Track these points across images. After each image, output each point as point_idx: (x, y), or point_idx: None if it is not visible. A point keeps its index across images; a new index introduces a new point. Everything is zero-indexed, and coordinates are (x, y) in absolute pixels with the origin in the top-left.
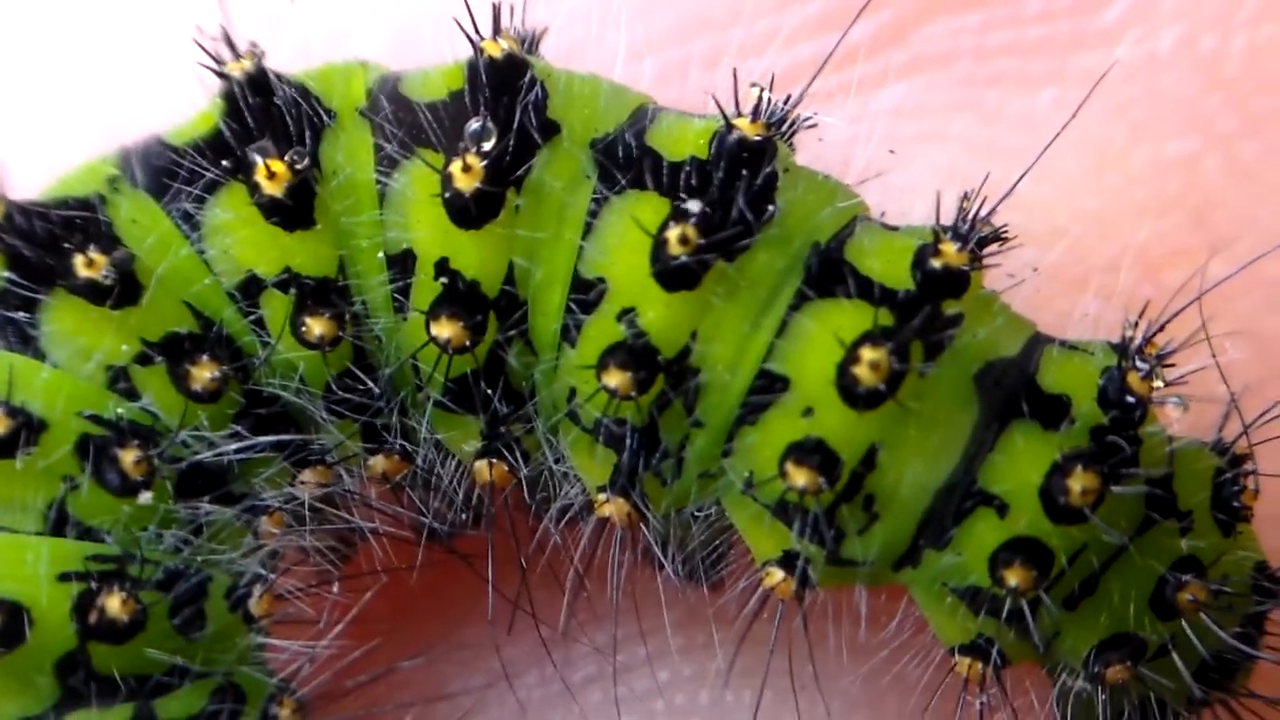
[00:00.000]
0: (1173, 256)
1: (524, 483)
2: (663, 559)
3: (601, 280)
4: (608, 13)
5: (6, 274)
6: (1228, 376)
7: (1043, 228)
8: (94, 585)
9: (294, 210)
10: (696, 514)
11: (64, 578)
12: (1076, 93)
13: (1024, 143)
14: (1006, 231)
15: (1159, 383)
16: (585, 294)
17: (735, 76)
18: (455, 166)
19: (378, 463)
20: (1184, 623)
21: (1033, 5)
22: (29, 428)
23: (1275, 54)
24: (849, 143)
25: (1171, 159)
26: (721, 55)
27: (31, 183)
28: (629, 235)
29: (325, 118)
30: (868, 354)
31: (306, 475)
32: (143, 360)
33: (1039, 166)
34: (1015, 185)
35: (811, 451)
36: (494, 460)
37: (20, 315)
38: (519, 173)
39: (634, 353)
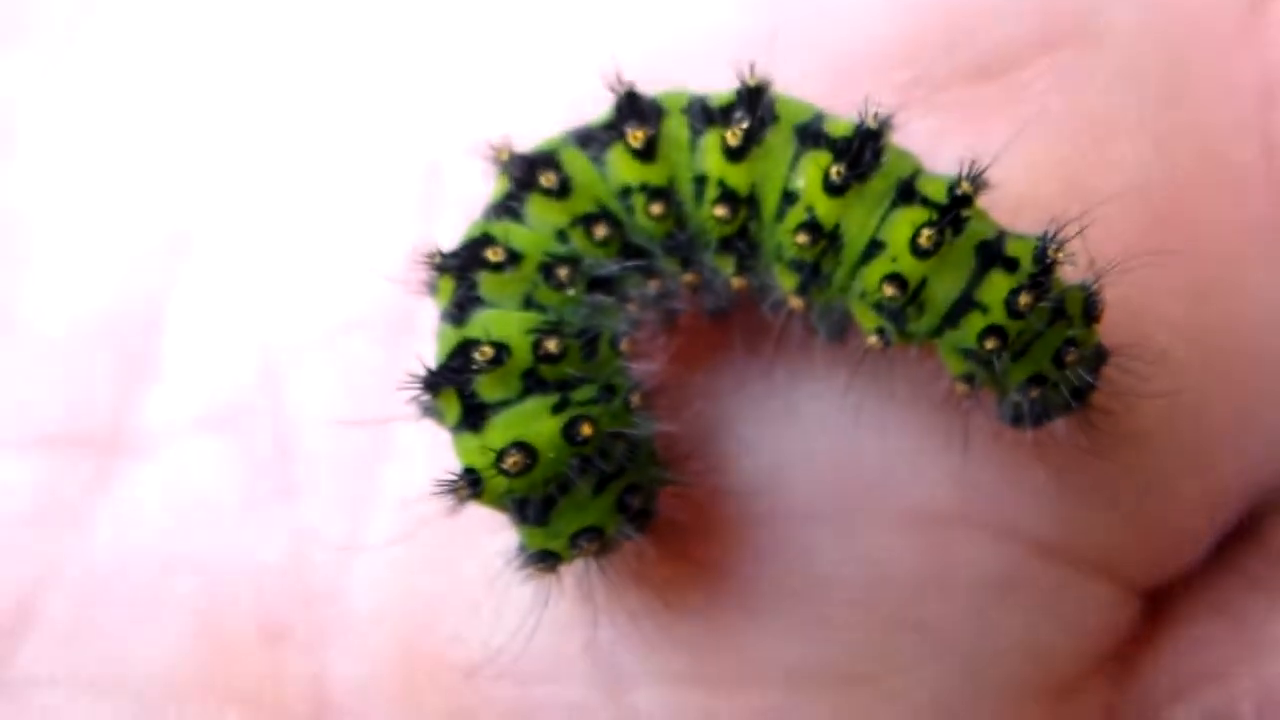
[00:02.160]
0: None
1: (756, 288)
2: (819, 328)
3: (797, 191)
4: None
5: (509, 187)
6: (1093, 256)
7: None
8: (542, 335)
9: (645, 154)
10: (836, 306)
11: (528, 332)
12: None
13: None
14: (989, 181)
15: (1061, 254)
16: (789, 198)
17: (865, 102)
18: (729, 133)
19: (687, 277)
20: (1066, 370)
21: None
22: (513, 257)
23: None
24: (915, 136)
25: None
26: (861, 94)
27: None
28: (813, 170)
29: (663, 111)
30: (925, 231)
31: (652, 283)
32: (571, 225)
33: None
34: (997, 155)
35: (894, 278)
36: (741, 276)
37: (515, 204)
38: (758, 137)
39: (811, 227)
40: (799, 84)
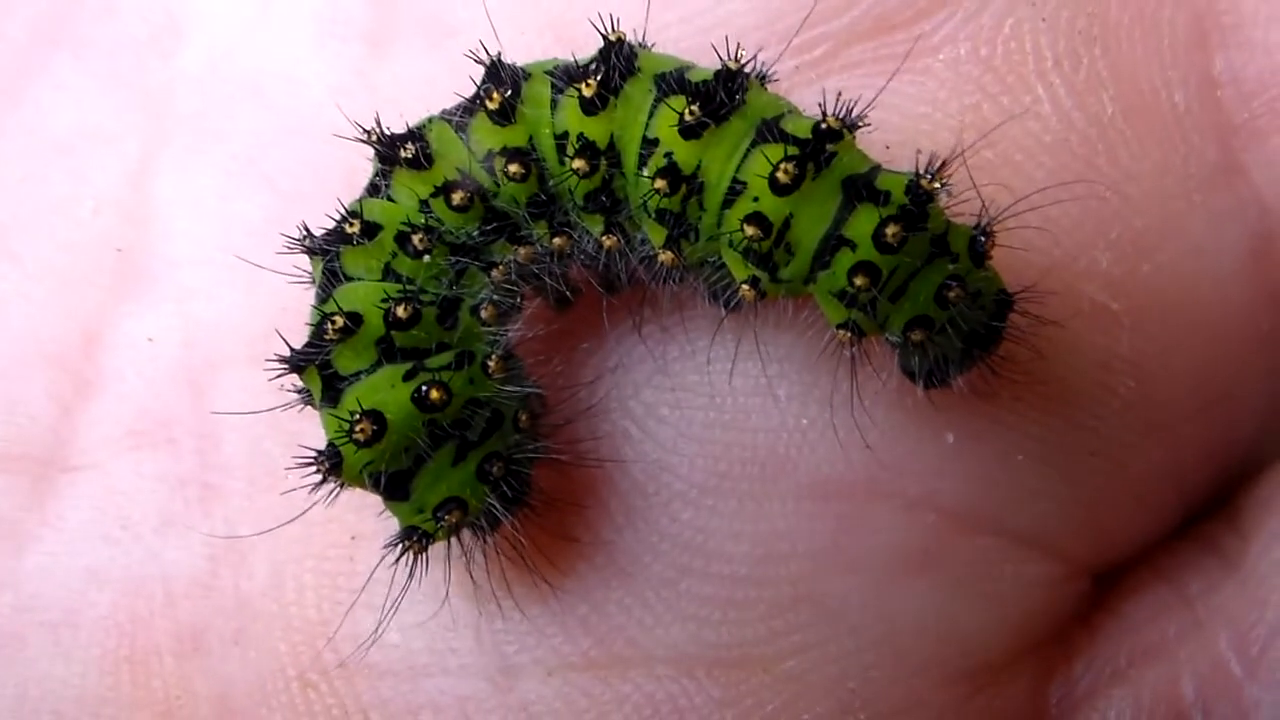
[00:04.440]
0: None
1: (626, 247)
2: (701, 293)
3: (656, 139)
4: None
5: (381, 166)
6: (979, 191)
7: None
8: (394, 302)
9: (503, 115)
10: (709, 260)
11: (383, 301)
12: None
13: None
14: (867, 120)
15: (938, 184)
16: (649, 146)
17: (727, 42)
18: (584, 85)
19: (556, 241)
20: (953, 310)
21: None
22: (369, 229)
23: None
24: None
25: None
26: (724, 36)
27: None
28: (669, 115)
29: (525, 76)
30: (785, 167)
31: (521, 250)
32: (433, 194)
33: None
34: (877, 96)
35: (755, 217)
36: (611, 234)
37: (380, 180)
38: (615, 88)
39: (670, 171)
40: (697, 57)
